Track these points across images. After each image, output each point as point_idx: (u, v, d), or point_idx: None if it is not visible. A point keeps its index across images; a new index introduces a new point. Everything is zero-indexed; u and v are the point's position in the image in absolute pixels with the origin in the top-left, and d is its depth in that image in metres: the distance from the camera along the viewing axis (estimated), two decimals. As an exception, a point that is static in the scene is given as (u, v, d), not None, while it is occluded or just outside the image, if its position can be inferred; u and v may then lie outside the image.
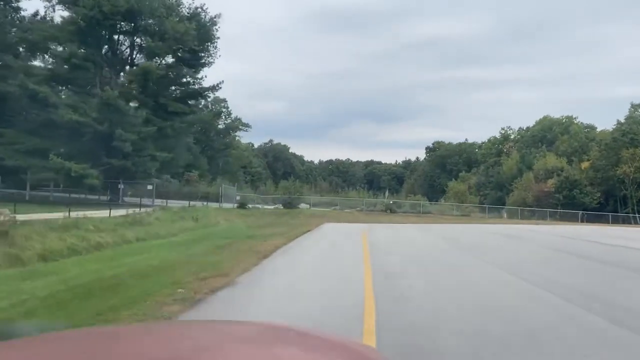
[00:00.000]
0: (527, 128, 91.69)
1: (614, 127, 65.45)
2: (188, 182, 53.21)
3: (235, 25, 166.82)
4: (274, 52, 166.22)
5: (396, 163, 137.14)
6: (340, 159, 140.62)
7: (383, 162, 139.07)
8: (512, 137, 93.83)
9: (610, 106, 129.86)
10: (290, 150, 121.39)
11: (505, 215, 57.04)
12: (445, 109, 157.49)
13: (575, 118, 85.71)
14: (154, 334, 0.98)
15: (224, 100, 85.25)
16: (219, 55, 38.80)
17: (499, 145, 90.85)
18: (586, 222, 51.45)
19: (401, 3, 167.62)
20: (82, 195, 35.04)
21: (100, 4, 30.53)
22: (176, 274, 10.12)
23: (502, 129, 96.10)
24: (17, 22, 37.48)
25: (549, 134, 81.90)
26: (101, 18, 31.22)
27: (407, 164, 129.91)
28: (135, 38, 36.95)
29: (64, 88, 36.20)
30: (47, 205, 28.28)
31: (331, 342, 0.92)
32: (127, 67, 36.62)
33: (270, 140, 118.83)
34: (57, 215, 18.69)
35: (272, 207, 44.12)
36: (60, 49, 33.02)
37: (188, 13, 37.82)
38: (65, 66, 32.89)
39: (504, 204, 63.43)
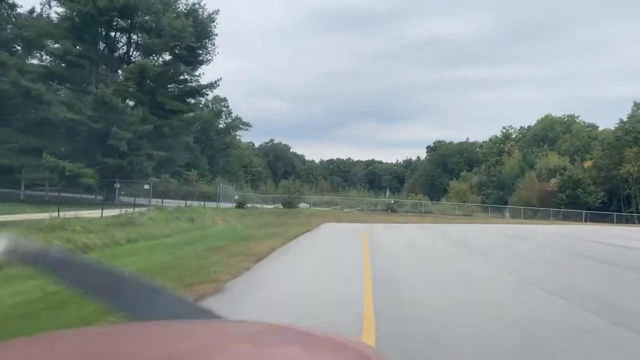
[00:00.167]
0: (529, 127, 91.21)
1: (617, 125, 64.77)
2: (187, 181, 52.62)
3: (236, 25, 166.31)
4: (275, 52, 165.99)
5: (397, 162, 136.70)
6: (341, 158, 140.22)
7: (384, 161, 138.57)
8: (513, 136, 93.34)
9: (610, 106, 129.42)
10: (291, 150, 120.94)
11: (507, 214, 56.43)
12: (446, 108, 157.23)
13: (577, 117, 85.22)
14: (154, 334, 0.91)
15: (224, 100, 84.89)
16: (217, 53, 38.24)
17: (500, 145, 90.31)
18: (589, 221, 50.86)
19: (401, 3, 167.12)
20: (79, 195, 34.52)
21: (95, 0, 29.94)
22: (162, 279, 9.49)
23: (504, 127, 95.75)
24: (13, 19, 36.91)
25: (551, 133, 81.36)
26: (96, 14, 30.56)
27: (408, 163, 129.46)
28: (132, 35, 36.29)
29: (61, 87, 35.46)
30: (42, 205, 27.71)
31: (332, 342, 0.88)
32: (124, 65, 35.96)
33: (271, 140, 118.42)
34: (47, 215, 18.14)
35: (272, 206, 43.55)
36: (55, 46, 32.31)
37: (185, 9, 37.16)
38: (61, 63, 32.25)
39: (506, 204, 62.80)
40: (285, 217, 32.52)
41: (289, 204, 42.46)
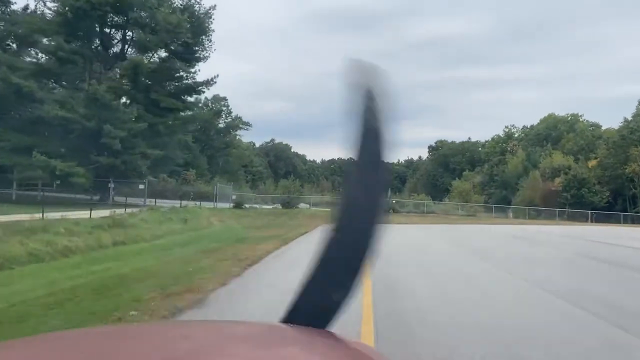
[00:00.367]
0: (532, 126, 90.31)
1: (621, 124, 63.77)
2: (185, 181, 51.68)
3: (236, 25, 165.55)
4: (276, 51, 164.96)
5: (398, 162, 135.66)
6: (342, 158, 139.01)
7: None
8: (516, 135, 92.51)
9: (611, 105, 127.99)
10: (292, 150, 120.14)
11: (511, 214, 55.53)
12: (447, 108, 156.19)
13: (580, 116, 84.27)
14: (153, 334, 0.91)
15: (224, 99, 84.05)
16: (214, 49, 37.26)
17: (502, 144, 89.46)
18: (595, 222, 49.95)
19: (401, 3, 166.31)
20: (73, 196, 33.66)
21: (88, -6, 29.06)
22: (141, 288, 8.78)
23: (506, 127, 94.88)
24: (7, 15, 36.03)
25: (554, 132, 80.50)
26: (89, 9, 29.63)
27: (409, 163, 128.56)
28: (127, 31, 35.31)
29: (54, 84, 34.50)
30: (32, 206, 26.87)
31: (332, 342, 0.88)
32: (120, 62, 34.99)
33: (272, 140, 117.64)
34: (31, 216, 17.30)
35: (271, 207, 42.63)
36: (47, 42, 31.32)
37: (181, 5, 36.12)
38: (53, 60, 31.30)
39: (509, 203, 61.88)
40: (284, 218, 31.61)
41: (288, 205, 41.54)
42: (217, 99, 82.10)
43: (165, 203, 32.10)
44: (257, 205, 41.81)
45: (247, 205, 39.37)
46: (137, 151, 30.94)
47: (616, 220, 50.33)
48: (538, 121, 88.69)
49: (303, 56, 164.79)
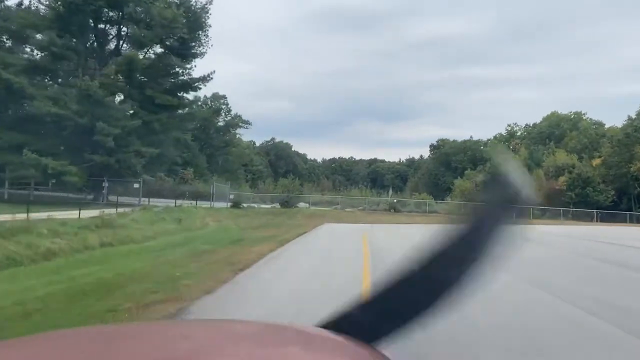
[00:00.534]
0: (534, 124, 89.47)
1: (625, 122, 62.82)
2: (183, 180, 50.84)
3: (236, 25, 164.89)
4: (277, 51, 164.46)
5: (400, 161, 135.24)
6: (343, 157, 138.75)
7: (387, 160, 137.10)
8: (518, 133, 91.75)
9: (611, 104, 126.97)
10: (293, 149, 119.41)
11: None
12: (449, 107, 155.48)
13: (584, 114, 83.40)
14: (154, 333, 0.92)
15: (224, 97, 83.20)
16: (211, 45, 36.34)
17: (505, 143, 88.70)
18: (600, 221, 49.12)
19: (403, 2, 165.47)
20: (68, 195, 32.87)
21: (81, -12, 28.17)
22: (119, 295, 7.85)
23: (509, 125, 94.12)
24: (0, 11, 35.22)
25: (557, 130, 79.66)
26: (82, 3, 28.78)
27: (410, 162, 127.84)
28: (122, 27, 34.43)
29: (46, 80, 33.58)
30: (23, 205, 26.13)
31: (332, 341, 0.88)
32: (115, 58, 34.10)
33: (273, 139, 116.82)
34: (13, 216, 16.48)
35: (269, 206, 41.81)
36: (41, 37, 30.38)
37: (177, -1, 35.30)
38: (45, 56, 30.45)
39: (512, 203, 60.80)
40: (282, 218, 30.78)
41: (287, 204, 40.73)
42: (216, 97, 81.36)
43: (162, 202, 31.30)
44: (255, 205, 40.98)
45: (245, 205, 38.53)
46: (131, 149, 30.04)
47: (621, 220, 49.46)
48: (541, 119, 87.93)
49: (303, 56, 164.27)
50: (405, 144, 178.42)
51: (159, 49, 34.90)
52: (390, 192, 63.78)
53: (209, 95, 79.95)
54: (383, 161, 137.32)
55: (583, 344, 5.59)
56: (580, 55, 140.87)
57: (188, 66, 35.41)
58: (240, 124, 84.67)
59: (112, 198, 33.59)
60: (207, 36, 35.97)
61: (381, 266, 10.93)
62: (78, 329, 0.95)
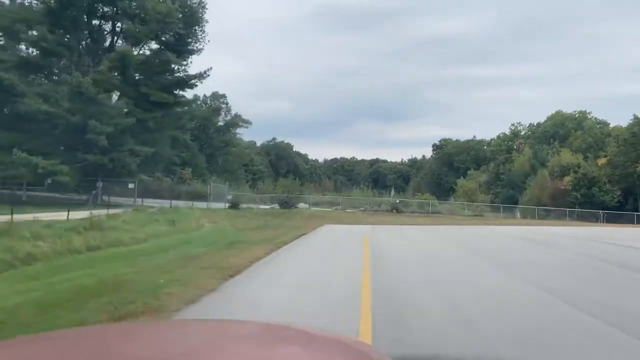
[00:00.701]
0: (538, 124, 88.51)
1: (631, 121, 61.83)
2: (181, 180, 50.00)
3: (236, 24, 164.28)
4: (278, 50, 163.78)
5: (402, 161, 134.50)
6: (345, 157, 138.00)
7: (389, 160, 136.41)
8: (522, 133, 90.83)
9: (616, 103, 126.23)
10: (294, 149, 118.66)
11: (518, 214, 53.78)
12: (451, 107, 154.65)
13: (588, 113, 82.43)
14: (154, 333, 0.95)
15: (223, 96, 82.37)
16: (208, 41, 35.44)
17: (509, 142, 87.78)
18: (606, 222, 48.21)
19: (404, 1, 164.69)
20: (63, 195, 32.09)
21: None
22: (94, 306, 7.09)
23: (512, 124, 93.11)
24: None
25: (562, 130, 78.70)
26: (74, -3, 27.98)
27: (413, 162, 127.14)
28: (116, 23, 33.52)
29: (42, 79, 32.65)
30: (15, 206, 25.36)
31: (331, 341, 0.89)
32: (108, 54, 33.17)
33: (273, 138, 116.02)
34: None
35: (268, 207, 40.98)
36: (31, 33, 29.48)
37: (172, -7, 34.27)
38: (36, 52, 29.61)
39: (516, 203, 60.09)
40: (281, 219, 29.91)
41: (287, 204, 39.88)
42: (216, 96, 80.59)
43: (159, 203, 30.53)
44: (254, 206, 40.10)
45: (243, 206, 37.68)
46: (125, 148, 29.13)
47: (627, 220, 48.46)
48: (545, 118, 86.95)
49: (304, 55, 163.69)
50: (407, 144, 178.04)
51: (154, 45, 34.07)
52: (392, 192, 62.90)
53: (208, 94, 79.13)
54: (385, 161, 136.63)
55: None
56: (583, 54, 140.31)
57: (184, 63, 34.57)
58: (241, 124, 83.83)
59: (107, 198, 32.84)
60: (203, 32, 35.21)
61: (382, 277, 10.09)
62: (78, 329, 1.05)
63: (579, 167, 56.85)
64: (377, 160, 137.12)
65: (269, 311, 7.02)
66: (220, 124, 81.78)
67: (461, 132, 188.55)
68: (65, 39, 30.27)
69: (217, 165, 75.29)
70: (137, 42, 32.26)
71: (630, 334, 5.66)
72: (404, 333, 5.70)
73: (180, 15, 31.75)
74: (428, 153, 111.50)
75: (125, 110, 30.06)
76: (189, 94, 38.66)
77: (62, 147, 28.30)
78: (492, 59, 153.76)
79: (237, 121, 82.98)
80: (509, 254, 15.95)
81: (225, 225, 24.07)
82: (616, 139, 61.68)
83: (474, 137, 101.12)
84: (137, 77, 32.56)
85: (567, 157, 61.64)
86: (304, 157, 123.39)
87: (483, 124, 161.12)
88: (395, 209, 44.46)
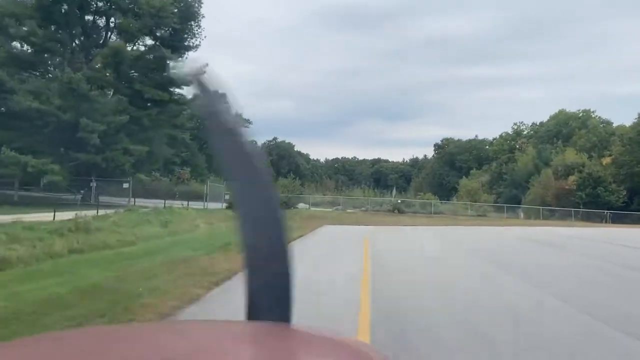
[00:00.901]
0: (541, 123, 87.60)
1: (635, 120, 60.92)
2: (179, 179, 49.17)
3: (237, 24, 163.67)
4: (279, 50, 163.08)
5: (403, 161, 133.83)
6: (346, 157, 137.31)
7: (390, 160, 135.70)
8: (525, 132, 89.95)
9: (618, 103, 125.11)
10: (295, 149, 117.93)
11: (521, 215, 52.92)
12: (453, 107, 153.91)
13: (592, 112, 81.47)
14: (154, 334, 0.93)
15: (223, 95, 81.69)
16: (204, 37, 34.49)
17: (511, 142, 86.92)
18: (612, 222, 47.32)
19: (406, 1, 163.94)
20: (60, 195, 31.27)
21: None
22: (56, 319, 6.47)
23: (515, 124, 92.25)
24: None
25: (565, 129, 77.77)
26: (67, -9, 27.10)
27: (414, 162, 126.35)
28: (110, 18, 32.61)
29: (33, 75, 31.75)
30: (5, 206, 24.62)
31: (332, 341, 0.88)
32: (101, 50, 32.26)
33: (275, 138, 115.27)
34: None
35: (268, 207, 39.96)
36: (21, 28, 28.61)
37: (166, -13, 33.24)
38: (26, 47, 28.76)
39: (519, 203, 59.21)
40: (280, 220, 28.97)
41: (286, 205, 39.03)
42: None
43: (156, 203, 29.69)
44: (252, 206, 39.14)
45: (241, 206, 36.71)
46: (119, 147, 28.28)
47: (633, 221, 47.53)
48: (548, 118, 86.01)
49: (305, 55, 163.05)
50: (409, 144, 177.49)
51: (149, 42, 33.13)
52: (394, 192, 61.92)
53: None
54: (387, 161, 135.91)
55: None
56: (584, 54, 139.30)
57: (180, 59, 33.67)
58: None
59: (103, 199, 32.03)
60: (199, 27, 34.20)
61: (382, 282, 9.24)
62: (78, 330, 0.98)
63: (583, 167, 55.93)
64: (378, 160, 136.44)
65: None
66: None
67: (463, 132, 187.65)
68: (57, 35, 29.40)
69: (217, 165, 74.64)
70: (131, 37, 31.36)
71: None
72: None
73: (176, 10, 30.91)
74: (430, 153, 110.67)
75: (119, 107, 29.14)
76: (185, 91, 37.81)
77: (53, 146, 27.40)
78: (492, 59, 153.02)
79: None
80: (518, 258, 15.05)
81: (220, 227, 23.17)
82: (621, 138, 60.75)
83: (476, 136, 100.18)
84: (131, 74, 31.69)
85: (571, 156, 60.72)
86: (306, 157, 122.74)
87: (484, 123, 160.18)
88: (397, 210, 43.64)
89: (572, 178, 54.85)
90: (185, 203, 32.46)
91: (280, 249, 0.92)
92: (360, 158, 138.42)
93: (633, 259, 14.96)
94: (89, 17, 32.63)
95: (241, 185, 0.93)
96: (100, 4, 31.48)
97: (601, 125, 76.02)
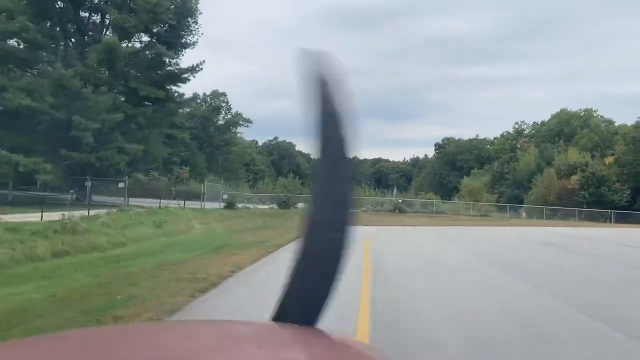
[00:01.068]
0: (543, 122, 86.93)
1: (638, 120, 60.29)
2: (178, 179, 48.53)
3: (237, 24, 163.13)
4: (279, 50, 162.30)
5: (404, 161, 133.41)
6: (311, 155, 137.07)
7: (391, 159, 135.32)
8: (526, 132, 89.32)
9: (620, 102, 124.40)
10: (296, 148, 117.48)
11: (524, 214, 52.29)
12: (453, 106, 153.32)
13: (594, 111, 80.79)
14: (154, 334, 0.94)
15: (223, 95, 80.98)
16: (202, 33, 33.80)
17: (512, 141, 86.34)
18: (615, 222, 46.68)
19: (407, 1, 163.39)
20: (52, 195, 30.66)
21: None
22: (22, 331, 5.93)
23: (516, 123, 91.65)
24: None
25: (567, 128, 77.11)
26: (60, -14, 26.45)
27: (415, 161, 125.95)
28: (106, 14, 31.89)
29: (26, 72, 31.05)
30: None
31: (332, 342, 0.88)
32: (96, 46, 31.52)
33: (275, 138, 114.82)
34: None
35: (267, 207, 39.51)
36: (12, 23, 27.91)
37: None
38: (18, 43, 28.09)
39: (521, 202, 58.58)
40: (279, 220, 28.44)
41: (286, 204, 38.41)
42: (215, 94, 79.21)
43: (150, 203, 29.07)
44: (251, 206, 38.59)
45: (240, 206, 36.17)
46: (113, 145, 27.61)
47: (636, 220, 46.90)
48: (549, 117, 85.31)
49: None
50: (409, 144, 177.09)
51: (144, 38, 32.43)
52: (395, 191, 61.21)
53: (208, 92, 77.82)
54: (387, 161, 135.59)
55: None
56: (584, 53, 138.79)
57: (177, 56, 32.93)
58: (241, 123, 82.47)
59: (98, 198, 31.40)
60: (196, 23, 33.51)
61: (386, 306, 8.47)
62: (78, 330, 0.97)
63: (586, 166, 55.27)
64: (379, 160, 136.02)
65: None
66: (220, 122, 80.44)
67: (463, 132, 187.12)
68: (50, 31, 28.73)
69: (217, 165, 74.02)
70: (126, 34, 30.63)
71: None
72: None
73: (172, 6, 30.24)
74: (430, 152, 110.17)
75: (114, 105, 28.44)
76: (182, 89, 37.27)
77: (45, 145, 26.70)
78: (492, 59, 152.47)
79: (237, 120, 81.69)
80: (533, 264, 14.33)
81: (217, 227, 22.61)
82: (624, 137, 60.08)
83: (477, 136, 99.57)
84: (126, 71, 30.99)
85: (573, 155, 60.06)
86: (306, 157, 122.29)
87: (485, 123, 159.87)
88: (398, 209, 43.00)
89: (574, 177, 54.23)
90: (182, 203, 31.73)
91: (338, 251, 0.86)
92: (361, 157, 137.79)
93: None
94: (84, 14, 31.98)
95: (326, 170, 0.90)
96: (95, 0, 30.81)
97: (603, 125, 75.36)
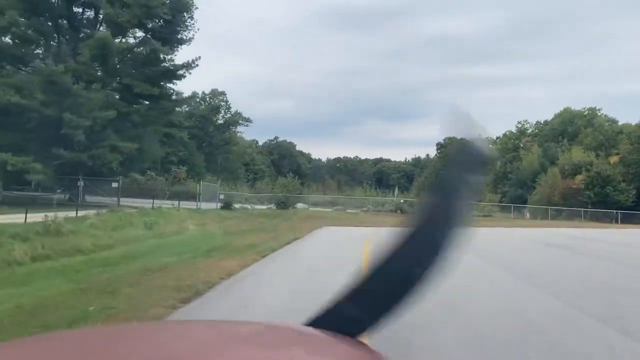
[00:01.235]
0: (546, 121, 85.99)
1: (643, 118, 59.34)
2: (175, 179, 47.72)
3: (238, 23, 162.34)
4: (279, 50, 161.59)
5: (406, 161, 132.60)
6: (348, 156, 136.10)
7: (392, 159, 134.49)
8: (529, 131, 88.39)
9: (623, 102, 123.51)
10: (297, 148, 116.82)
11: (527, 214, 51.44)
12: (455, 106, 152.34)
13: (599, 110, 79.85)
14: (154, 334, 0.94)
15: (223, 94, 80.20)
16: (198, 29, 32.94)
17: (515, 140, 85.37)
18: (620, 222, 45.80)
19: (407, 0, 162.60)
20: (47, 195, 29.90)
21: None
22: None
23: (519, 122, 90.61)
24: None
25: (571, 127, 76.15)
26: (52, -19, 25.66)
27: (417, 161, 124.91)
28: (99, 10, 31.06)
29: (15, 69, 30.18)
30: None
31: (332, 342, 0.87)
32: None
33: (276, 137, 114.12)
34: None
35: (265, 207, 38.69)
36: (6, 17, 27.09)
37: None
38: (8, 39, 27.31)
39: (525, 202, 57.70)
40: (277, 220, 27.62)
41: (284, 205, 37.57)
42: (215, 93, 78.45)
43: (145, 203, 28.30)
44: (248, 206, 37.76)
45: (237, 206, 35.34)
46: (106, 144, 26.80)
47: (641, 221, 46.04)
48: (552, 116, 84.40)
49: (305, 55, 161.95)
50: (411, 143, 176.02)
51: (139, 34, 31.58)
52: (397, 191, 60.36)
53: (207, 91, 77.05)
54: (389, 160, 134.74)
55: None
56: (584, 53, 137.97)
57: (172, 52, 32.05)
58: (241, 122, 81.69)
59: (91, 198, 30.62)
60: (192, 18, 32.64)
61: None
62: (78, 330, 0.97)
63: (591, 166, 54.36)
64: (380, 160, 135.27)
65: None
66: (220, 122, 79.66)
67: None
68: (42, 26, 27.92)
69: (216, 164, 73.25)
70: (120, 29, 29.80)
71: None
72: None
73: (167, 1, 29.40)
74: (432, 152, 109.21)
75: (106, 102, 27.59)
76: (180, 87, 36.45)
77: (35, 143, 25.88)
78: (493, 59, 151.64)
79: (237, 119, 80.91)
80: (553, 274, 13.48)
81: (212, 228, 21.77)
82: (629, 137, 59.18)
83: (479, 135, 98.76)
84: (120, 67, 30.17)
85: (578, 155, 59.17)
86: (307, 157, 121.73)
87: (486, 123, 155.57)
88: (400, 210, 42.09)
89: (579, 177, 53.37)
90: (176, 203, 30.89)
91: (426, 275, 0.85)
92: (362, 157, 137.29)
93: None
94: (77, 9, 31.14)
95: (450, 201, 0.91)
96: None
97: (607, 124, 74.44)
